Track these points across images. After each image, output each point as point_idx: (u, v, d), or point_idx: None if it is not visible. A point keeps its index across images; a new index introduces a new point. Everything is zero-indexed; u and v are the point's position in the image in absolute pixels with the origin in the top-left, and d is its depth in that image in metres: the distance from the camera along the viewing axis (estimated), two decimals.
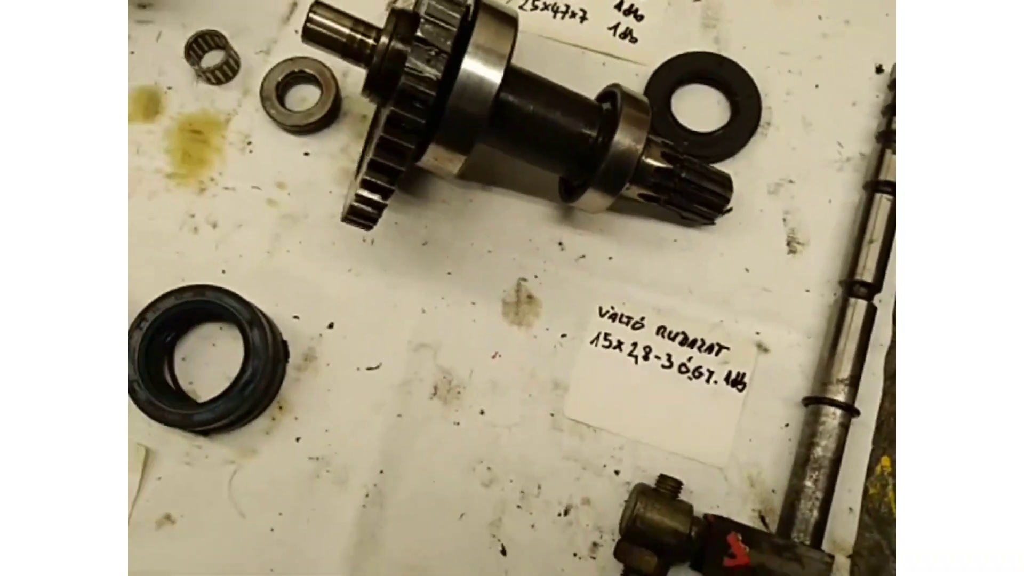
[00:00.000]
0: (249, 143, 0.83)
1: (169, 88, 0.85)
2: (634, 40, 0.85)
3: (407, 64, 0.55)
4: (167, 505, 0.73)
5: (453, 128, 0.63)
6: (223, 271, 0.78)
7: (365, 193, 0.64)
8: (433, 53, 0.56)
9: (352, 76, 0.85)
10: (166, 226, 0.81)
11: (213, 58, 0.84)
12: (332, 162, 0.83)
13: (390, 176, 0.62)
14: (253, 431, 0.75)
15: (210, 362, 0.77)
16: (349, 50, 0.65)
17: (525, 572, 0.71)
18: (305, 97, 0.85)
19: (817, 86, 0.82)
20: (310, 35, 0.65)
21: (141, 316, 0.73)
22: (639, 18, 0.85)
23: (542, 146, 0.70)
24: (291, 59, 0.83)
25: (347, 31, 0.64)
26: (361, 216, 0.67)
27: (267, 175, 0.82)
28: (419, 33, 0.55)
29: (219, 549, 0.72)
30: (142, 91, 0.85)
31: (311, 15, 0.64)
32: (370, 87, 0.66)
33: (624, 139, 0.68)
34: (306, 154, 0.83)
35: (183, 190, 0.82)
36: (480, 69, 0.62)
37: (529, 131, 0.69)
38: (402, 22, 0.64)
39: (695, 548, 0.67)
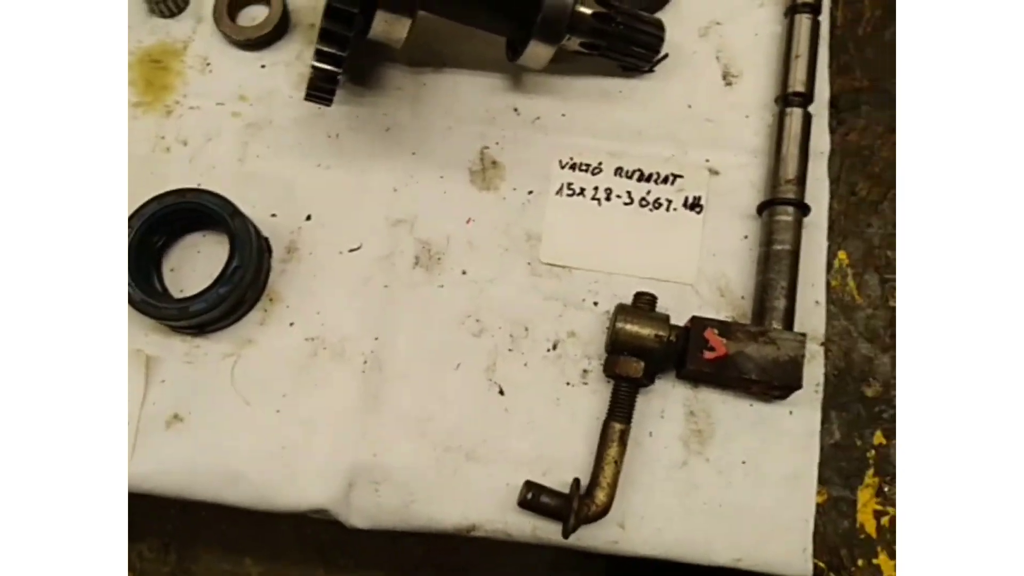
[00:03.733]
0: (208, 64, 0.87)
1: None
2: None
3: None
4: (174, 405, 0.76)
5: None
6: (199, 184, 0.81)
7: (320, 65, 0.68)
8: None
9: None
10: (139, 149, 0.84)
11: None
12: (288, 70, 0.87)
13: (340, 44, 0.66)
14: (247, 324, 0.79)
15: (197, 268, 0.80)
16: None
17: (524, 405, 0.75)
18: (255, 16, 0.89)
19: None
20: None
21: (128, 221, 0.76)
22: None
23: (482, 5, 0.75)
24: None
25: None
26: (319, 90, 0.71)
27: (229, 91, 0.86)
28: None
29: (229, 438, 0.75)
30: None
31: None
32: None
33: None
34: (263, 66, 0.87)
35: (150, 116, 0.85)
36: None
37: None
38: None
39: (677, 349, 0.71)
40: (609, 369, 0.72)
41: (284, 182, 0.83)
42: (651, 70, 0.84)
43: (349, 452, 0.74)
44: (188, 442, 0.75)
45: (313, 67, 0.68)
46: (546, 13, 0.74)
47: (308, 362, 0.77)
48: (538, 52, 0.77)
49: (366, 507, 0.73)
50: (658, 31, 0.80)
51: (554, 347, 0.77)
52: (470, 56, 0.86)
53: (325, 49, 0.66)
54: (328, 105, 0.75)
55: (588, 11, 0.76)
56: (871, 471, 0.72)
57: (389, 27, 0.71)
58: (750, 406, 0.74)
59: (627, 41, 0.79)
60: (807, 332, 0.75)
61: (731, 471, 0.72)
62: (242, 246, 0.75)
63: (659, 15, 0.85)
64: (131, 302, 0.74)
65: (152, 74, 0.87)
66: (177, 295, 0.79)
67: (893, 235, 0.78)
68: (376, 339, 0.77)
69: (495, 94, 0.85)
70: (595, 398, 0.75)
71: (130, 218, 0.76)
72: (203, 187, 0.80)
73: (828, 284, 0.77)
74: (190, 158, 0.84)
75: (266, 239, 0.80)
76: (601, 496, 0.69)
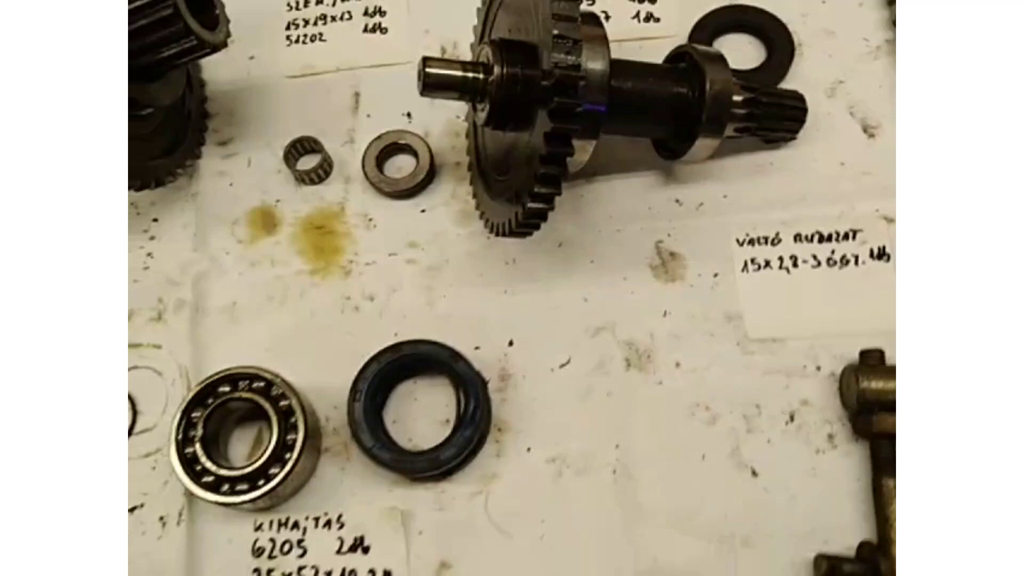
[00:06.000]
0: (370, 219, 0.90)
1: (278, 201, 0.92)
2: (657, 20, 0.96)
3: (554, 58, 0.63)
4: (438, 554, 0.76)
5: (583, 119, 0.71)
6: (395, 333, 0.83)
7: (535, 206, 0.71)
8: (570, 44, 0.64)
9: (433, 135, 0.93)
10: (329, 315, 0.86)
11: (309, 162, 0.91)
12: (448, 210, 0.90)
13: (556, 185, 0.69)
14: (484, 460, 0.79)
15: (418, 417, 0.81)
16: (467, 88, 0.72)
17: (780, 482, 0.76)
18: (400, 166, 0.92)
19: (824, 1, 0.95)
20: (430, 86, 0.72)
21: (354, 387, 0.77)
22: (652, 0, 0.97)
23: (650, 115, 0.80)
24: (378, 137, 0.91)
25: (460, 73, 0.72)
26: (529, 226, 0.74)
27: (397, 240, 0.89)
28: (555, 31, 0.63)
29: (501, 574, 0.75)
30: (255, 211, 0.91)
31: (427, 69, 0.72)
32: (495, 117, 0.73)
33: (715, 82, 0.78)
34: (423, 211, 0.90)
35: (330, 280, 0.87)
36: (592, 61, 0.70)
37: (637, 105, 0.78)
38: (507, 50, 0.72)
39: None
40: (863, 430, 0.74)
41: (477, 315, 0.85)
42: (795, 136, 0.88)
43: (628, 563, 0.74)
44: None
45: (528, 209, 0.71)
46: (710, 108, 0.78)
47: (555, 484, 0.78)
48: (704, 146, 0.81)
49: None
50: (800, 103, 0.85)
51: (791, 419, 0.78)
52: (614, 163, 0.89)
53: (542, 191, 0.69)
54: (529, 235, 0.78)
55: (739, 98, 0.81)
56: None
57: (578, 154, 0.74)
58: None
59: (776, 118, 0.84)
60: None
61: None
62: (472, 386, 0.77)
63: (783, 86, 0.91)
64: (380, 462, 0.75)
65: (319, 240, 0.89)
66: (406, 445, 0.80)
67: None
68: (617, 447, 0.78)
69: (652, 191, 0.89)
70: (850, 460, 0.76)
71: (356, 381, 0.77)
72: (399, 335, 0.82)
73: None
74: (380, 312, 0.86)
75: (478, 372, 0.81)
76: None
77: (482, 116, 0.74)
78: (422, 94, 0.74)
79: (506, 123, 0.74)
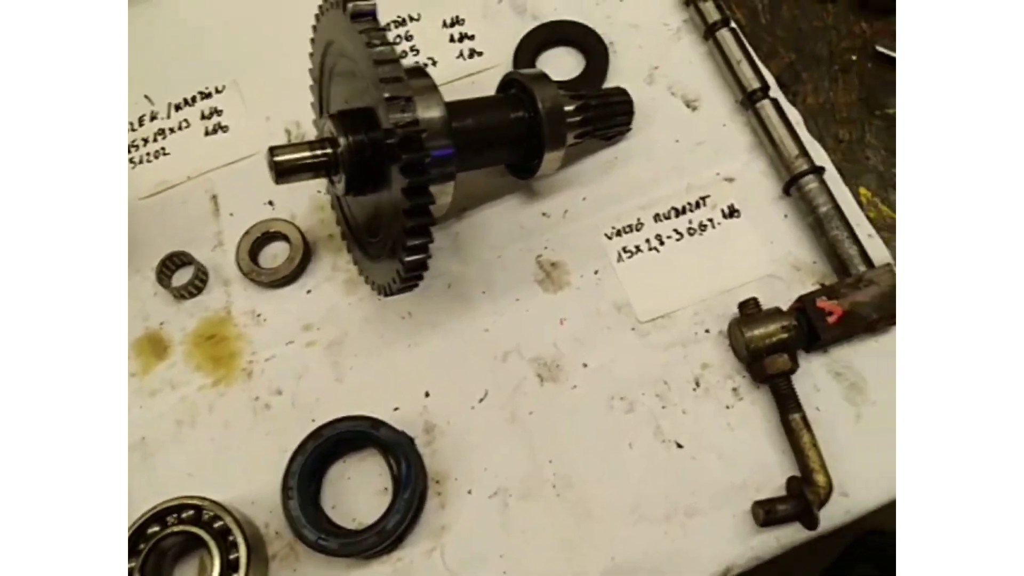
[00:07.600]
0: (259, 315, 0.90)
1: (162, 323, 0.91)
2: (480, 54, 1.01)
3: (391, 119, 0.66)
4: None
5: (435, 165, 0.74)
6: (312, 419, 0.83)
7: (412, 258, 0.73)
8: (404, 103, 0.67)
9: (300, 216, 0.94)
10: (242, 421, 0.85)
11: (183, 276, 0.91)
12: (333, 284, 0.91)
13: (426, 234, 0.72)
14: (430, 516, 0.80)
15: (356, 494, 0.82)
16: (319, 166, 0.74)
17: (703, 446, 0.80)
18: (275, 254, 0.93)
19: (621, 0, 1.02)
20: (283, 172, 0.74)
21: (284, 486, 0.77)
22: (471, 38, 1.01)
23: (496, 144, 0.84)
24: (246, 232, 0.92)
25: (309, 153, 0.74)
26: (412, 279, 0.77)
27: (291, 327, 0.89)
28: (386, 94, 0.66)
29: None
30: (140, 340, 0.90)
31: (275, 159, 0.73)
32: (353, 185, 0.75)
33: (545, 99, 0.82)
34: (308, 292, 0.91)
35: (234, 386, 0.87)
36: (428, 111, 0.73)
37: (482, 139, 0.82)
38: (348, 119, 0.74)
39: (803, 330, 0.79)
40: (760, 375, 0.79)
41: (388, 377, 0.86)
42: (629, 129, 0.94)
43: (592, 569, 0.76)
44: None
45: (407, 263, 0.73)
46: (548, 126, 0.83)
47: (504, 516, 0.80)
48: (553, 159, 0.85)
49: None
50: (625, 96, 0.91)
51: (697, 384, 0.83)
52: (480, 193, 0.93)
53: (415, 243, 0.71)
54: (415, 287, 0.80)
55: (571, 107, 0.86)
56: None
57: (440, 199, 0.77)
58: (875, 342, 0.82)
59: (608, 116, 0.90)
60: (878, 262, 0.85)
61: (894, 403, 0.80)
62: (400, 448, 0.78)
63: (606, 85, 0.97)
64: (329, 552, 0.75)
65: (213, 350, 0.89)
66: (350, 525, 0.80)
67: (890, 157, 0.91)
68: (551, 462, 0.81)
69: (519, 211, 0.93)
70: (756, 406, 0.81)
71: (284, 480, 0.77)
72: (317, 420, 0.82)
73: (868, 218, 0.88)
74: (291, 403, 0.86)
75: (402, 432, 0.83)
76: (821, 479, 0.75)
77: (340, 187, 0.76)
78: (277, 182, 0.75)
79: (364, 187, 0.76)
